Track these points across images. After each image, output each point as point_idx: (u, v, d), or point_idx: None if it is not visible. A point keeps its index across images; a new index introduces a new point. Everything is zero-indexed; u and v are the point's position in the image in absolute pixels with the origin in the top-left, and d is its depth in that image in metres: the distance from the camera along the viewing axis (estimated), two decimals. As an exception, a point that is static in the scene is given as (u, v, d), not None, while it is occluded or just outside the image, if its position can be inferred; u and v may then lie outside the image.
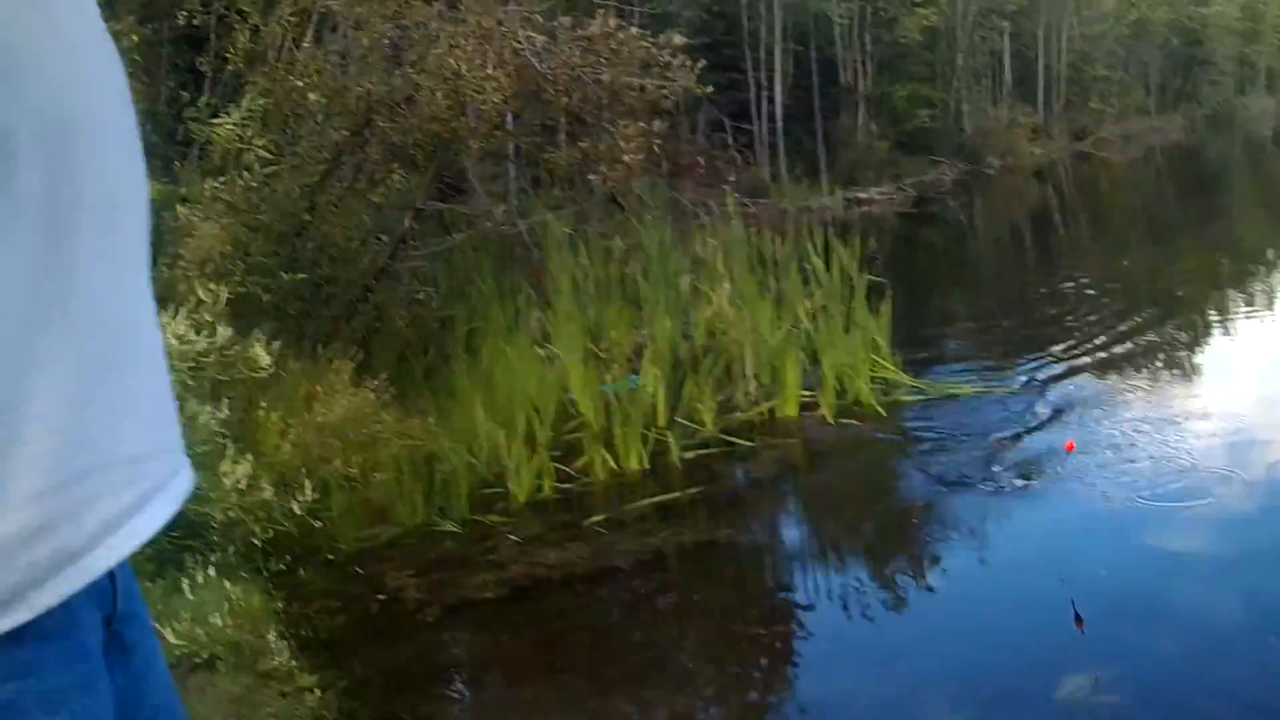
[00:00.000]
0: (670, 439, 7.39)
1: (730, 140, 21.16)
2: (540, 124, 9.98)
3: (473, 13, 7.96)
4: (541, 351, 8.10)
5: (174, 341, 5.51)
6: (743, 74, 23.85)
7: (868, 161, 24.88)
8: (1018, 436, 7.57)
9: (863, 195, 23.04)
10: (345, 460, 6.31)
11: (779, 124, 24.14)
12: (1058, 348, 9.91)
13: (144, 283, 0.96)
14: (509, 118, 9.28)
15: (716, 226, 10.37)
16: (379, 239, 8.45)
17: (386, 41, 8.14)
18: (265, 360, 6.02)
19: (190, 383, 5.51)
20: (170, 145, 8.02)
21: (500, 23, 8.04)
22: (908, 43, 28.31)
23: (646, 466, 7.19)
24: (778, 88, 24.32)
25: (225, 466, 5.28)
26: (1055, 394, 8.48)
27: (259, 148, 7.44)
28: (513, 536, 6.28)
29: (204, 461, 5.15)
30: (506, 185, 11.95)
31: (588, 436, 7.38)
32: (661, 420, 7.63)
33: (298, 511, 5.61)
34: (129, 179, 0.94)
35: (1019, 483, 6.76)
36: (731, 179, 16.33)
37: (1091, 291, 12.63)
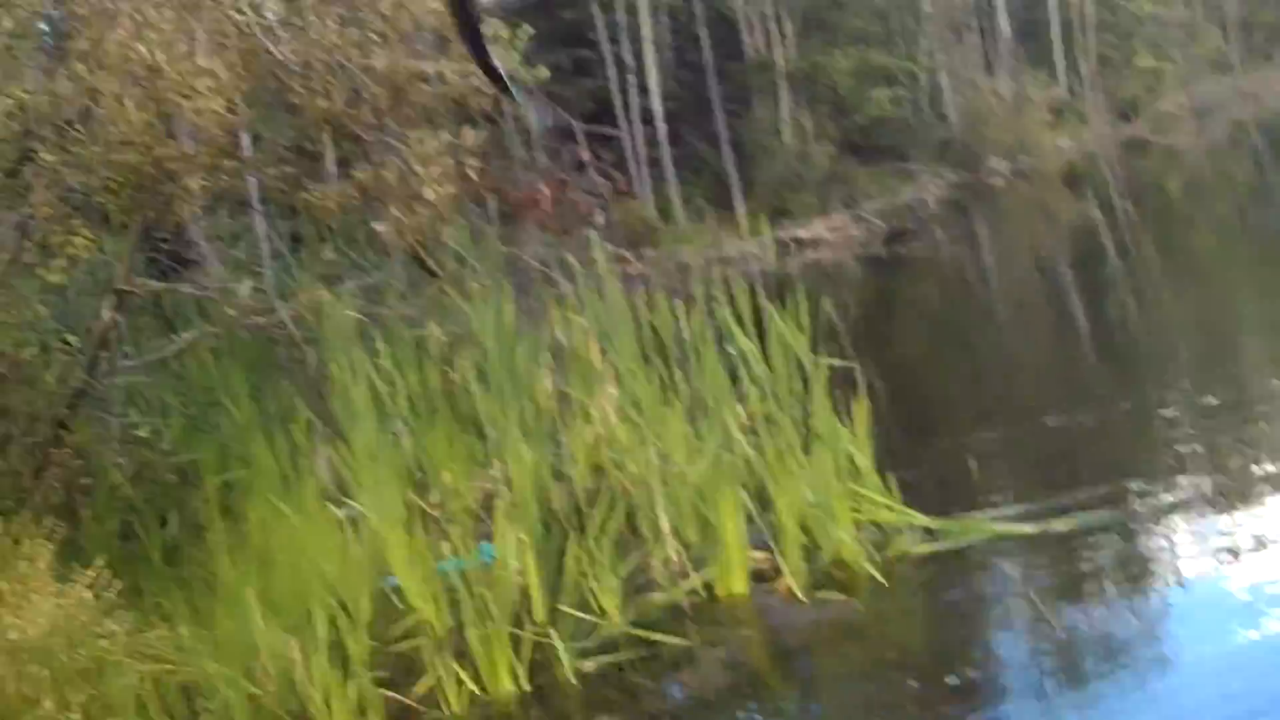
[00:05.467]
0: (556, 641, 5.01)
1: (588, 155, 14.91)
2: (293, 146, 7.15)
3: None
4: (339, 511, 5.75)
5: None
6: (593, 47, 16.67)
7: (803, 178, 17.95)
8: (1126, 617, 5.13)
9: (803, 234, 17.17)
10: (60, 699, 4.70)
11: (660, 126, 17.02)
12: (1137, 459, 7.25)
13: None
14: (242, 138, 6.71)
15: (583, 294, 7.66)
16: (66, 343, 6.08)
17: (41, 24, 5.71)
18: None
19: None
20: None
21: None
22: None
23: (525, 687, 4.90)
24: (651, 67, 16.86)
25: None
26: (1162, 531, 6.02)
27: None
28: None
29: None
30: (254, 248, 8.99)
31: (428, 644, 5.06)
32: (539, 612, 5.26)
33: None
34: None
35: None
36: (596, 218, 12.19)
37: (1172, 367, 9.27)
